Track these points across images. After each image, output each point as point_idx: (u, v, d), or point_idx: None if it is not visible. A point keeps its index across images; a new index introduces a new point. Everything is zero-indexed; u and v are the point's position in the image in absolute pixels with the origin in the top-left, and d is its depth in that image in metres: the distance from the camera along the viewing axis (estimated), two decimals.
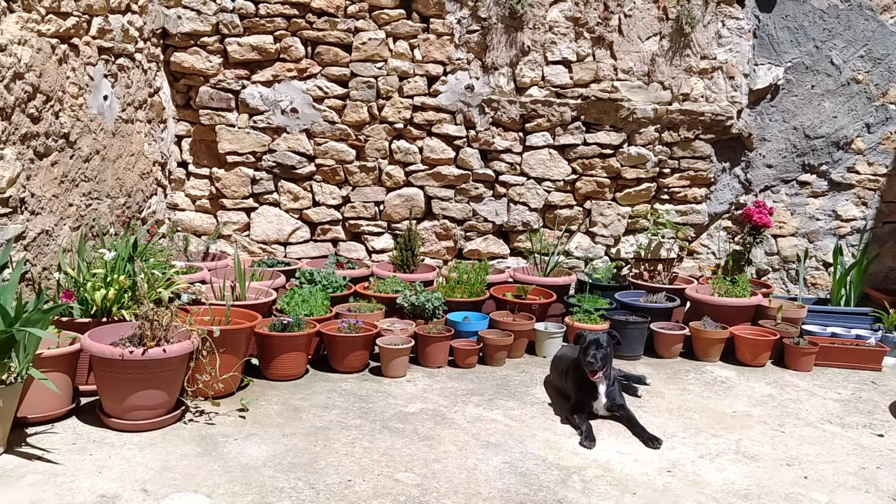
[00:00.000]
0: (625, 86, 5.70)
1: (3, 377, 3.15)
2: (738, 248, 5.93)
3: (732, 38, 5.70)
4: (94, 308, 3.82)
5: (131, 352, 3.36)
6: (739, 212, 5.92)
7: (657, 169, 5.82)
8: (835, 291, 5.72)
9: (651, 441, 3.57)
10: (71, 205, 4.34)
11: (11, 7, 3.74)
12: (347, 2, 5.50)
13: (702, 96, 5.75)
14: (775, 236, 6.00)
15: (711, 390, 4.42)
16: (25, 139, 3.86)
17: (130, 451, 3.25)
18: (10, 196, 3.74)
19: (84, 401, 3.73)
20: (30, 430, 3.38)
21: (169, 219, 5.77)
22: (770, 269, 6.04)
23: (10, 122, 3.73)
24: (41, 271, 4.05)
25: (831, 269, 5.91)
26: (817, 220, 5.97)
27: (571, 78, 5.69)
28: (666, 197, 5.90)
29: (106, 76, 4.67)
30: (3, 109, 3.67)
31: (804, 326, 5.24)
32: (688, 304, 5.42)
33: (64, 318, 3.78)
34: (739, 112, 5.79)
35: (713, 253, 6.04)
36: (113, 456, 3.19)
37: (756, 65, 5.75)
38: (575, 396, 3.91)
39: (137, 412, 3.43)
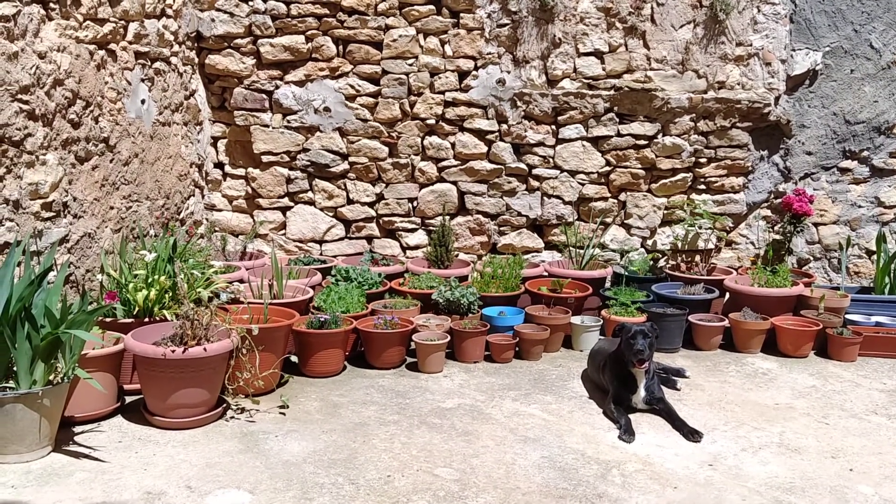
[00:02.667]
0: (658, 75, 5.63)
1: (51, 377, 3.23)
2: (777, 237, 5.83)
3: (768, 23, 5.59)
4: (137, 308, 3.90)
5: (173, 351, 3.42)
6: (779, 200, 5.82)
7: (693, 159, 5.74)
8: (878, 280, 5.59)
9: (692, 434, 3.53)
10: (112, 207, 4.43)
11: (50, 15, 3.82)
12: None
13: (738, 84, 5.65)
14: (816, 224, 5.88)
15: (753, 382, 4.35)
16: (67, 144, 3.95)
17: (174, 448, 3.31)
18: (54, 200, 3.83)
19: (129, 399, 3.80)
20: (77, 429, 3.46)
21: (207, 219, 5.85)
22: (811, 259, 5.93)
23: (52, 128, 3.82)
24: (84, 273, 4.14)
25: (874, 256, 5.78)
26: (859, 207, 5.84)
27: (604, 69, 5.64)
28: (702, 187, 5.82)
29: (143, 80, 4.75)
30: (45, 115, 3.75)
31: (847, 316, 5.13)
32: (727, 295, 5.35)
33: (108, 319, 3.86)
34: (777, 99, 5.68)
35: (752, 243, 5.95)
36: (157, 453, 3.26)
37: (793, 50, 5.64)
38: (613, 390, 3.88)
39: (180, 410, 3.49)
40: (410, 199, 5.87)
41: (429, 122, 5.70)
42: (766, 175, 5.83)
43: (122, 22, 4.49)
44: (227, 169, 5.89)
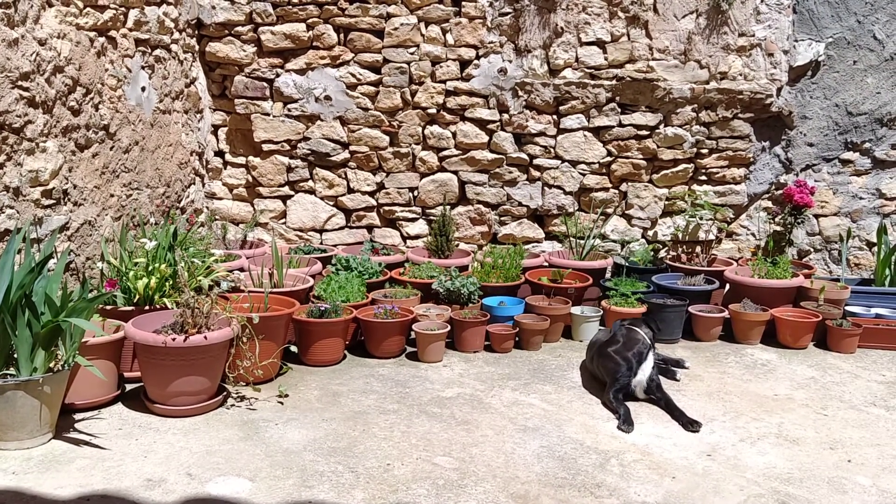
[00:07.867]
0: (661, 65, 5.61)
1: (51, 365, 3.24)
2: (778, 228, 5.82)
3: (771, 13, 5.56)
4: (137, 296, 3.90)
5: (174, 339, 3.43)
6: (780, 192, 5.81)
7: (694, 149, 5.73)
8: (879, 272, 5.59)
9: (690, 425, 3.54)
10: (112, 195, 4.42)
11: (50, 1, 3.80)
12: None
13: (740, 74, 5.63)
14: (817, 216, 5.88)
15: (752, 373, 4.36)
16: (67, 131, 3.94)
17: (174, 435, 3.32)
18: (54, 188, 3.83)
19: (129, 387, 3.81)
20: (77, 416, 3.47)
21: (207, 207, 5.85)
22: (812, 250, 5.93)
23: (52, 115, 3.81)
24: (84, 261, 4.14)
25: (875, 248, 5.77)
26: (860, 198, 5.83)
27: (606, 59, 5.61)
28: (704, 178, 5.81)
29: (143, 68, 4.73)
30: (45, 102, 3.74)
31: (847, 308, 5.13)
32: (727, 286, 5.35)
33: (108, 307, 3.86)
34: (779, 90, 5.66)
35: (753, 234, 5.94)
36: (158, 441, 3.27)
37: (796, 41, 5.62)
38: (611, 380, 3.88)
39: (180, 398, 3.50)
40: (411, 189, 5.86)
41: (430, 111, 5.68)
42: (767, 166, 5.82)
43: (123, 9, 4.47)
44: (228, 157, 5.88)
